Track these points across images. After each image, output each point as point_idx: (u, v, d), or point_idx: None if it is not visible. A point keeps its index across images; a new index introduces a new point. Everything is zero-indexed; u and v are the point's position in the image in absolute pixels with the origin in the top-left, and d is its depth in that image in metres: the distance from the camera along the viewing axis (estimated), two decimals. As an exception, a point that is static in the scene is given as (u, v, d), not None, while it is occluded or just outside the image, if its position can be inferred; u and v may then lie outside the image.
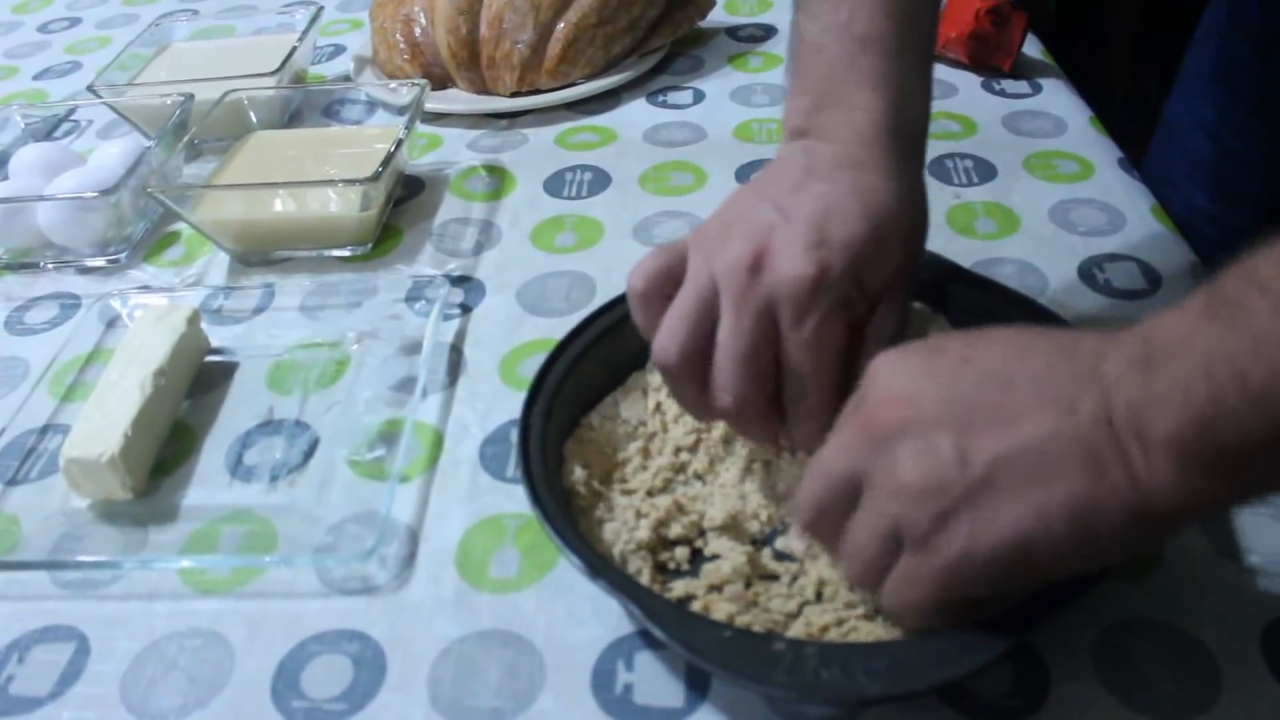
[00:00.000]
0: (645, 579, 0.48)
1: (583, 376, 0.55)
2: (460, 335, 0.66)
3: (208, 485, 0.57)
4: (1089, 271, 0.66)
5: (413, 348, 0.64)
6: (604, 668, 0.46)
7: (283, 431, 0.60)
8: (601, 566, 0.44)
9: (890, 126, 0.49)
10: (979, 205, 0.73)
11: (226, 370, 0.65)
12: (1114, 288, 0.65)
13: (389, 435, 0.58)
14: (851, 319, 0.47)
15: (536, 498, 0.47)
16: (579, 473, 0.51)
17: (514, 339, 0.65)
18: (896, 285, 0.48)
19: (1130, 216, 0.71)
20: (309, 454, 0.58)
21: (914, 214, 0.50)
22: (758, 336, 0.45)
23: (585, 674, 0.46)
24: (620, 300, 0.58)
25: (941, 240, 0.70)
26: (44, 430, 0.61)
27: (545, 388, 0.53)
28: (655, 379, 0.56)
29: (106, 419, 0.56)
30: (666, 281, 0.48)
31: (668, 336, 0.47)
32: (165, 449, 0.59)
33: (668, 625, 0.42)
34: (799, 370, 0.46)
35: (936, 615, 0.40)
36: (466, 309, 0.68)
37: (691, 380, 0.47)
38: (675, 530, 0.50)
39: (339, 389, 0.62)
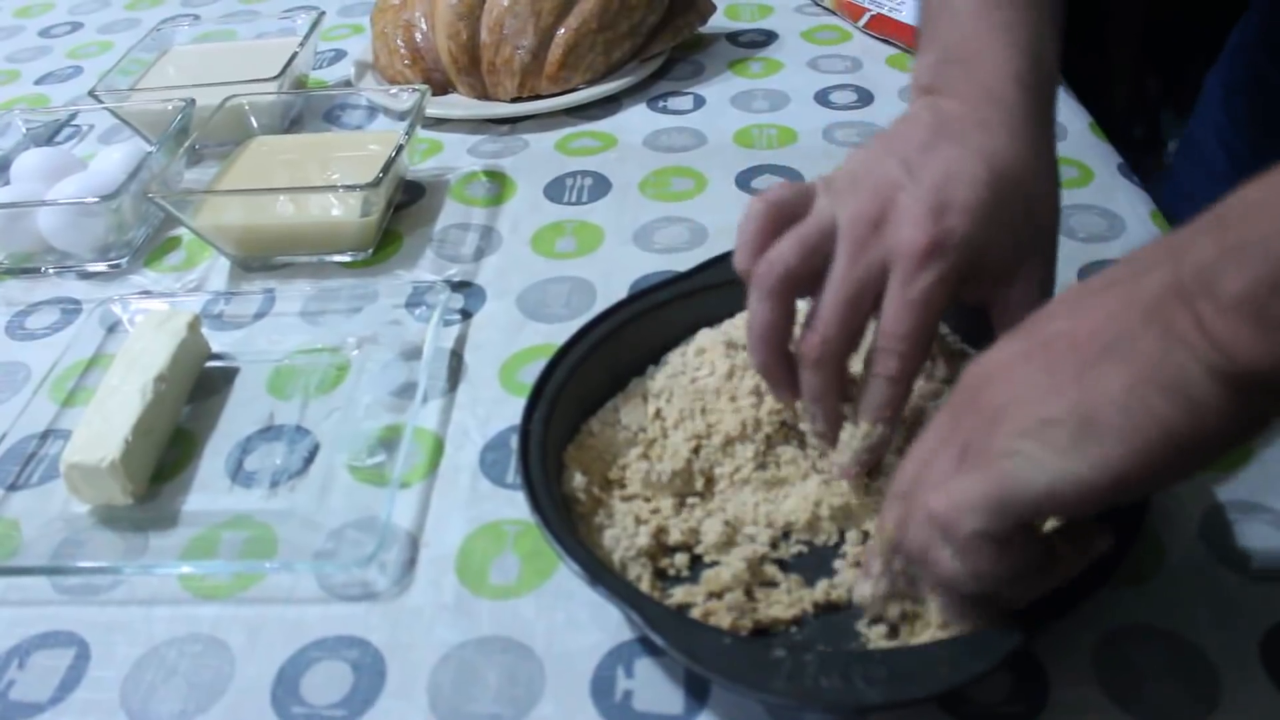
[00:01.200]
0: (645, 585, 0.48)
1: (583, 382, 0.55)
2: (461, 341, 0.66)
3: (208, 491, 0.57)
4: (1088, 277, 0.66)
5: (413, 353, 0.64)
6: (604, 674, 0.46)
7: (283, 437, 0.60)
8: (601, 573, 0.44)
9: (1019, 80, 0.48)
10: (979, 211, 0.73)
11: (227, 375, 0.65)
12: (1114, 294, 0.65)
13: (389, 441, 0.58)
14: (965, 285, 0.46)
15: (536, 504, 0.47)
16: (578, 479, 0.51)
17: (514, 344, 0.65)
18: (1031, 252, 0.47)
19: (1130, 222, 0.71)
20: (309, 459, 0.58)
21: (1043, 174, 0.48)
22: (865, 287, 0.45)
23: (585, 680, 0.46)
24: (621, 306, 0.58)
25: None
26: (45, 435, 0.61)
27: (545, 394, 0.53)
28: (655, 385, 0.56)
29: (107, 424, 0.56)
30: (786, 211, 0.48)
31: (781, 252, 0.46)
32: (166, 454, 0.59)
33: (667, 632, 0.42)
34: (895, 329, 0.45)
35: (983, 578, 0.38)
36: (467, 314, 0.68)
37: (777, 307, 0.47)
38: (675, 536, 0.50)
39: (339, 394, 0.62)
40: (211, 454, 0.59)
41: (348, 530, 0.54)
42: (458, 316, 0.68)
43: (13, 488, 0.58)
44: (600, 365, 0.56)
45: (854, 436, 0.48)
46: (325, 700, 0.46)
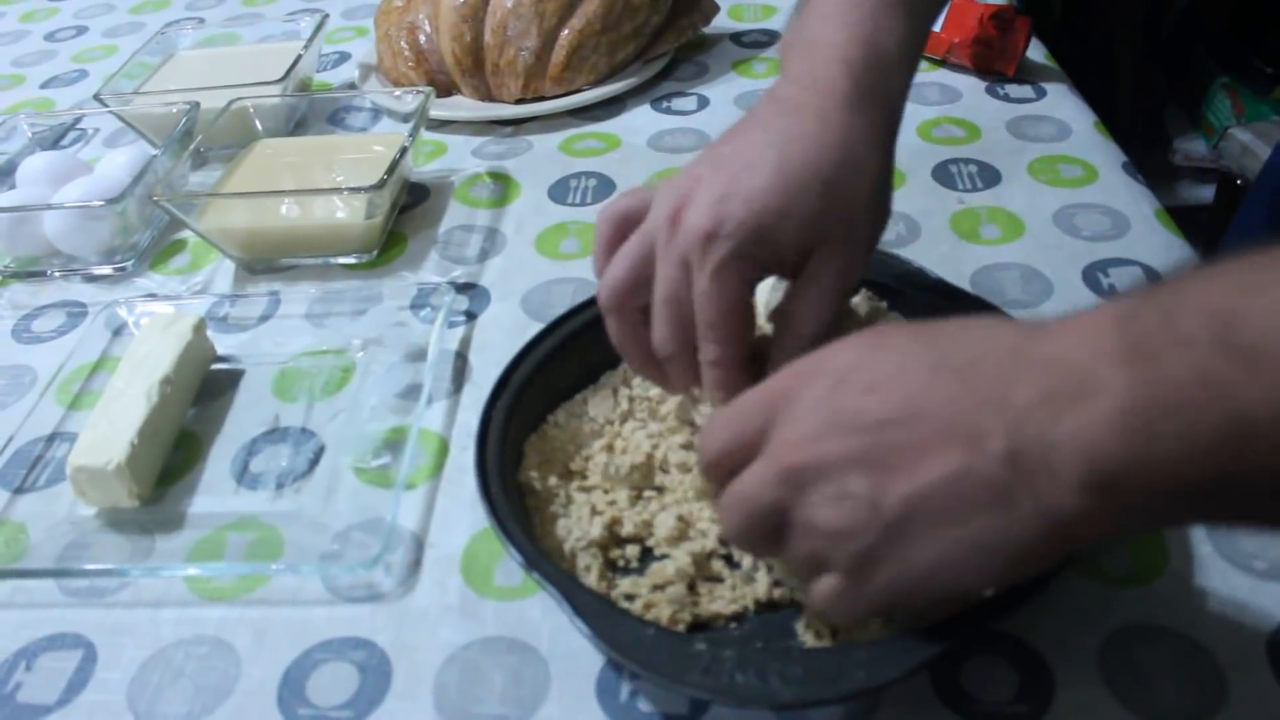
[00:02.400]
0: (594, 576, 0.48)
1: (554, 374, 0.56)
2: (465, 342, 0.66)
3: (214, 493, 0.57)
4: (1093, 276, 0.66)
5: (418, 355, 0.64)
6: (609, 674, 0.46)
7: (288, 439, 0.60)
8: (536, 559, 0.44)
9: (846, 65, 0.48)
10: (983, 211, 0.73)
11: (232, 378, 0.65)
12: (1118, 292, 0.65)
13: (394, 442, 0.58)
14: (762, 274, 0.47)
15: (485, 491, 0.48)
16: (534, 469, 0.52)
17: (519, 346, 0.65)
18: (828, 239, 0.46)
19: (1135, 221, 0.71)
20: (314, 461, 0.58)
21: (849, 163, 0.47)
22: (677, 284, 0.46)
23: (590, 681, 0.46)
24: (592, 300, 0.58)
25: (946, 246, 0.70)
26: (51, 438, 0.61)
27: (511, 384, 0.54)
28: (625, 377, 0.57)
29: (113, 427, 0.56)
30: (627, 224, 0.50)
31: (609, 274, 0.49)
32: (171, 457, 0.59)
33: (591, 620, 0.42)
34: (701, 318, 0.46)
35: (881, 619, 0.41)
36: (471, 316, 0.68)
37: (624, 319, 0.49)
38: (628, 529, 0.50)
39: (344, 396, 0.63)
40: (217, 456, 0.59)
41: (353, 532, 0.54)
42: (462, 318, 0.68)
43: (19, 491, 0.58)
44: (572, 358, 0.57)
45: (703, 416, 0.50)
46: (331, 701, 0.46)
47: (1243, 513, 0.33)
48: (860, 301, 0.58)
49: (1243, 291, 0.31)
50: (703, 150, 0.50)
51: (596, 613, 0.43)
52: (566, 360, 0.57)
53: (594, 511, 0.51)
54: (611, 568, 0.50)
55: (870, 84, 0.48)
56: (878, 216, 0.49)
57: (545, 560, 0.45)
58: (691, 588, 0.48)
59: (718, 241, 0.45)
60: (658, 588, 0.47)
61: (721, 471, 0.41)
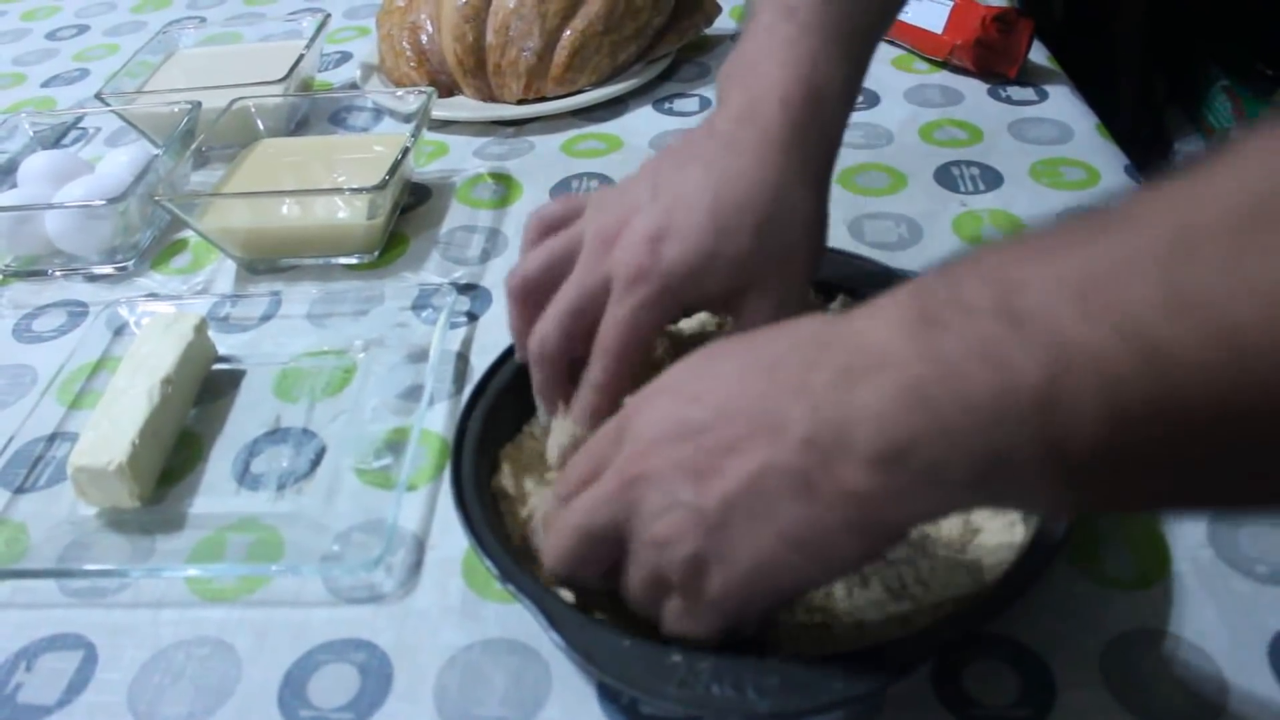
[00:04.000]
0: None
1: (529, 384, 0.55)
2: (467, 343, 0.66)
3: (215, 493, 0.57)
4: (1095, 279, 0.66)
5: (419, 356, 0.64)
6: (610, 677, 0.46)
7: (290, 440, 0.60)
8: (511, 570, 0.44)
9: (786, 101, 0.48)
10: (985, 213, 0.73)
11: (233, 378, 0.65)
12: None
13: (396, 444, 0.58)
14: (682, 314, 0.48)
15: (460, 500, 0.48)
16: (508, 477, 0.52)
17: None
18: (760, 278, 0.47)
19: (1137, 224, 0.71)
20: (316, 462, 0.58)
21: (783, 204, 0.47)
22: (588, 299, 0.48)
23: (592, 683, 0.46)
24: None
25: (948, 249, 0.70)
26: (52, 438, 0.61)
27: (489, 391, 0.54)
28: None
29: (114, 427, 0.56)
30: (555, 227, 0.51)
31: (524, 263, 0.51)
32: (173, 457, 0.59)
33: (566, 631, 0.42)
34: (602, 342, 0.47)
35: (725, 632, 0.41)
36: (473, 317, 0.68)
37: (524, 310, 0.51)
38: None
39: (346, 397, 0.63)
40: (218, 457, 0.59)
41: (354, 533, 0.54)
42: (464, 319, 0.68)
43: (20, 490, 0.58)
44: None
45: (560, 431, 0.50)
46: (332, 703, 0.46)
47: (1023, 490, 0.32)
48: (837, 308, 0.57)
49: (1030, 259, 0.31)
50: (644, 167, 0.50)
51: (571, 623, 0.42)
52: None
53: None
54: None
55: (806, 123, 0.48)
56: (810, 256, 0.50)
57: (521, 572, 0.45)
58: None
59: (646, 280, 0.46)
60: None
61: (591, 569, 0.43)
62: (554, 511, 0.44)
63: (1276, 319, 0.25)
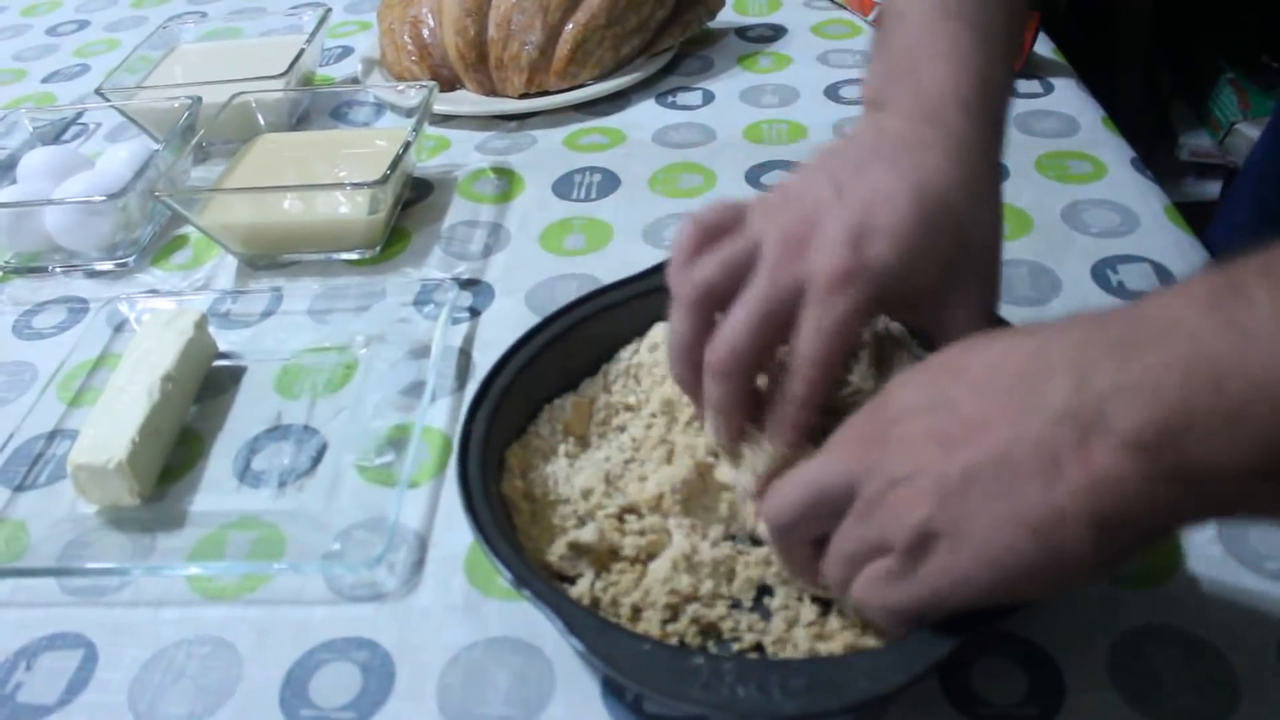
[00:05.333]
0: (585, 584, 0.47)
1: (534, 382, 0.55)
2: (469, 339, 0.66)
3: (216, 491, 0.57)
4: (1102, 273, 0.66)
5: (421, 352, 0.64)
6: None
7: (291, 436, 0.60)
8: (527, 576, 0.43)
9: (962, 101, 0.47)
10: (991, 206, 0.73)
11: (234, 375, 0.64)
12: (1127, 289, 0.64)
13: (397, 440, 0.58)
14: (901, 310, 0.46)
15: (470, 505, 0.47)
16: (518, 480, 0.51)
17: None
18: (965, 277, 0.45)
19: (1144, 217, 0.70)
20: (317, 459, 0.58)
21: (980, 202, 0.46)
22: (779, 305, 0.44)
23: (596, 682, 0.46)
24: (573, 306, 0.57)
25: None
26: (52, 435, 0.60)
27: (491, 393, 0.53)
28: (613, 372, 0.56)
29: (114, 424, 0.56)
30: (717, 230, 0.47)
31: (703, 268, 0.46)
32: (173, 454, 0.59)
33: (586, 637, 0.41)
34: (806, 353, 0.44)
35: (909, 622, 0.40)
36: (475, 312, 0.68)
37: (695, 321, 0.46)
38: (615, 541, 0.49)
39: (347, 393, 0.62)
40: (219, 454, 0.59)
41: (356, 531, 0.53)
42: (466, 314, 0.68)
43: (20, 488, 0.57)
44: (551, 365, 0.56)
45: (757, 457, 0.46)
46: (334, 702, 0.46)
47: None
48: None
49: None
50: (807, 170, 0.47)
51: (591, 628, 0.42)
52: (546, 368, 0.56)
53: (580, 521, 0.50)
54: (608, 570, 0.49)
55: (985, 122, 0.47)
56: (1000, 258, 0.48)
57: (534, 576, 0.44)
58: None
59: (859, 282, 0.42)
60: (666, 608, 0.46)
61: (808, 529, 0.41)
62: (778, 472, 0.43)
63: None
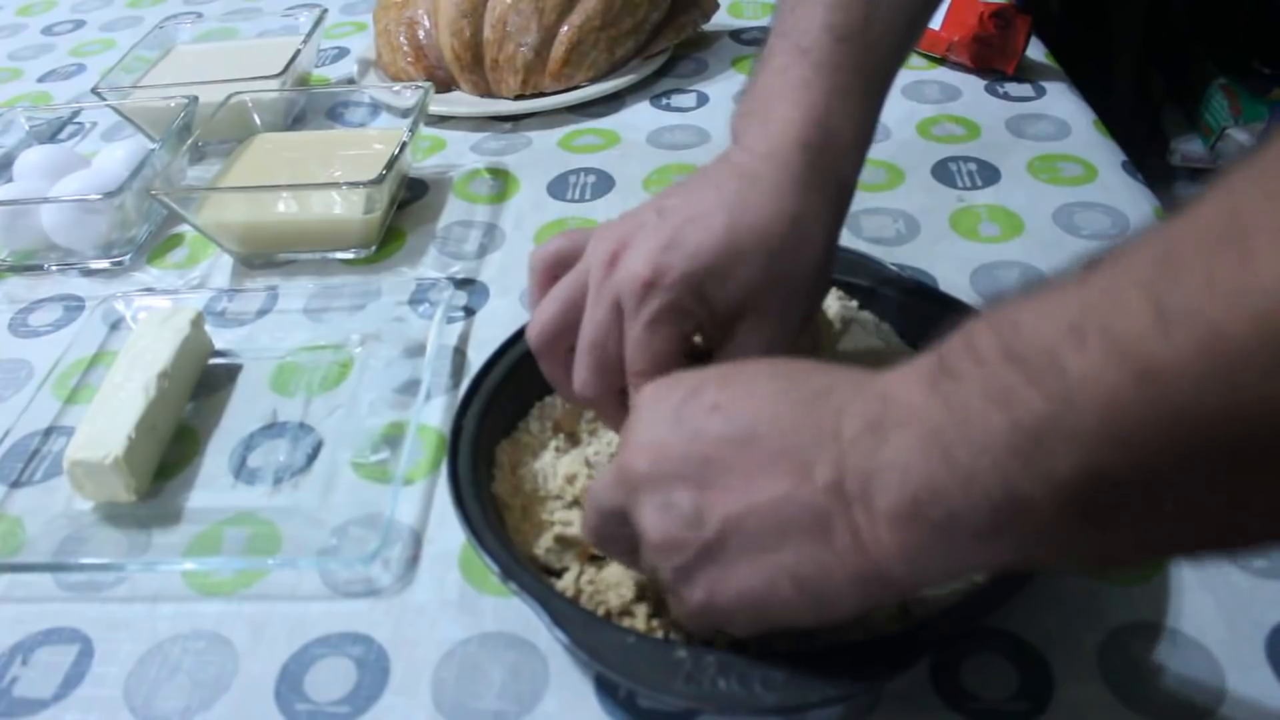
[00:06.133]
0: (571, 577, 0.47)
1: (524, 379, 0.55)
2: (464, 338, 0.66)
3: (211, 488, 0.57)
4: (1093, 275, 0.66)
5: (416, 350, 0.64)
6: (608, 671, 0.46)
7: (286, 434, 0.60)
8: (513, 569, 0.44)
9: (803, 142, 0.48)
10: (983, 209, 0.73)
11: (230, 372, 0.65)
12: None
13: (393, 438, 0.58)
14: (696, 330, 0.46)
15: (460, 502, 0.47)
16: (509, 477, 0.52)
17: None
18: (762, 307, 0.46)
19: (1134, 220, 0.71)
20: (313, 456, 0.58)
21: (797, 238, 0.46)
22: (605, 329, 0.46)
23: (589, 677, 0.46)
24: None
25: (945, 244, 0.70)
26: (48, 432, 0.61)
27: (482, 390, 0.54)
28: None
29: (111, 421, 0.56)
30: (561, 264, 0.49)
31: (539, 313, 0.49)
32: (169, 451, 0.59)
33: (571, 630, 0.42)
34: (631, 366, 0.46)
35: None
36: (470, 312, 0.68)
37: (555, 360, 0.49)
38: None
39: (342, 391, 0.62)
40: (215, 451, 0.59)
41: (351, 527, 0.54)
42: (461, 313, 0.68)
43: (16, 485, 0.58)
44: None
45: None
46: (329, 697, 0.46)
47: (1042, 535, 0.31)
48: (831, 302, 0.58)
49: (1031, 303, 0.31)
50: (647, 201, 0.49)
51: (576, 621, 0.42)
52: (538, 366, 0.56)
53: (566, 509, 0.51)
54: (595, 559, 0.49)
55: (824, 167, 0.48)
56: (813, 294, 0.50)
57: (522, 569, 0.45)
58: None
59: (656, 291, 0.44)
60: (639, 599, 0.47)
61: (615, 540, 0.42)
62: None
63: (1255, 321, 0.25)
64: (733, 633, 0.41)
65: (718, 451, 0.37)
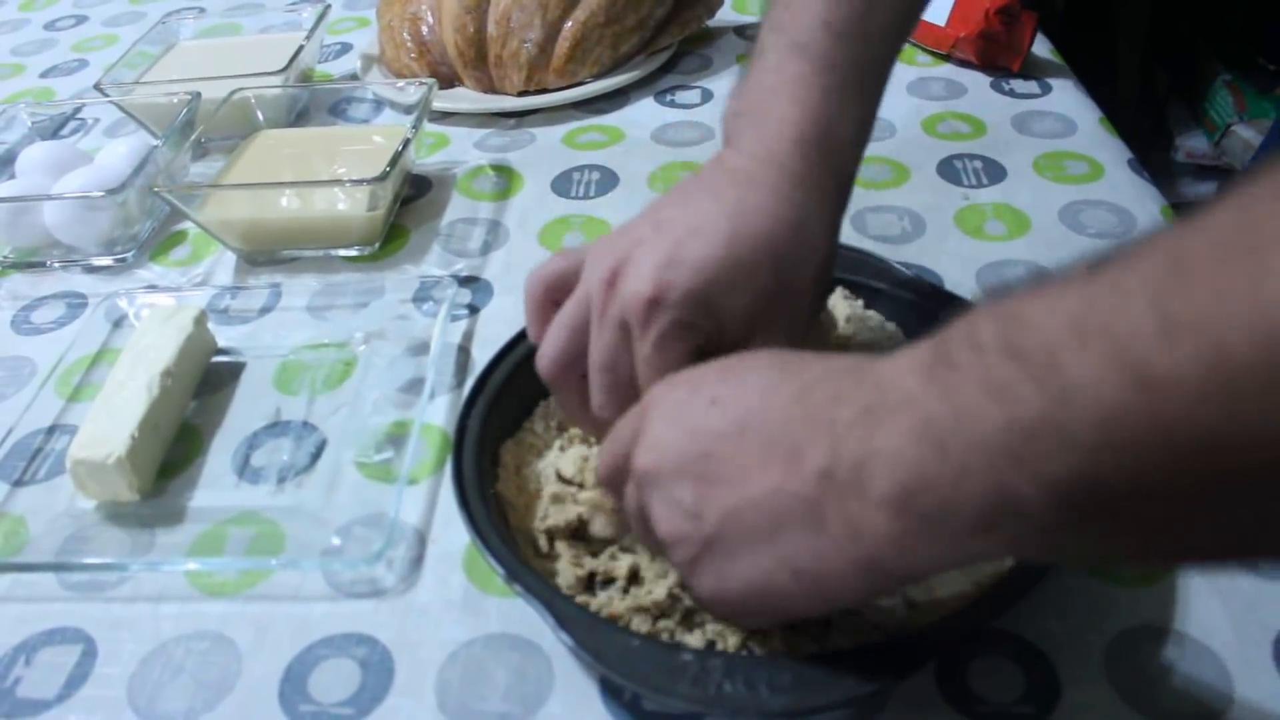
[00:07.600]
0: (565, 563, 0.48)
1: (529, 379, 0.55)
2: (468, 336, 0.66)
3: (215, 487, 0.57)
4: (1099, 274, 0.66)
5: (420, 348, 0.64)
6: (612, 672, 0.46)
7: (290, 433, 0.60)
8: (518, 570, 0.44)
9: (802, 141, 0.47)
10: (988, 207, 0.73)
11: (233, 371, 0.65)
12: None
13: (396, 437, 0.58)
14: (706, 343, 0.46)
15: (464, 503, 0.47)
16: (514, 477, 0.52)
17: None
18: (769, 314, 0.46)
19: (1141, 218, 0.71)
20: (316, 455, 0.58)
21: (800, 242, 0.46)
22: (614, 351, 0.46)
23: (594, 678, 0.46)
24: None
25: (951, 242, 0.70)
26: (51, 431, 0.60)
27: (486, 390, 0.53)
28: None
29: (113, 420, 0.56)
30: (558, 287, 0.49)
31: (547, 344, 0.48)
32: (172, 450, 0.59)
33: (576, 632, 0.42)
34: (642, 384, 0.45)
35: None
36: (474, 309, 0.68)
37: (569, 388, 0.49)
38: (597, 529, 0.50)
39: (346, 390, 0.62)
40: (218, 450, 0.59)
41: (355, 527, 0.53)
42: (465, 311, 0.68)
43: (18, 483, 0.57)
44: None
45: None
46: (333, 698, 0.46)
47: (1033, 533, 0.31)
48: (837, 301, 0.57)
49: (1037, 297, 0.30)
50: (641, 213, 0.48)
51: (581, 623, 0.42)
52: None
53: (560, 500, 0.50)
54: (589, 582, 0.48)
55: (824, 165, 0.47)
56: (818, 296, 0.49)
57: (527, 571, 0.44)
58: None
59: (661, 310, 0.44)
60: (641, 610, 0.46)
61: (616, 484, 0.43)
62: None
63: (1261, 338, 0.24)
64: (745, 625, 0.41)
65: (715, 446, 0.38)
